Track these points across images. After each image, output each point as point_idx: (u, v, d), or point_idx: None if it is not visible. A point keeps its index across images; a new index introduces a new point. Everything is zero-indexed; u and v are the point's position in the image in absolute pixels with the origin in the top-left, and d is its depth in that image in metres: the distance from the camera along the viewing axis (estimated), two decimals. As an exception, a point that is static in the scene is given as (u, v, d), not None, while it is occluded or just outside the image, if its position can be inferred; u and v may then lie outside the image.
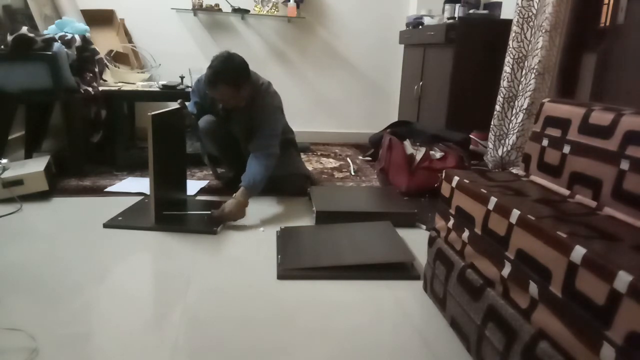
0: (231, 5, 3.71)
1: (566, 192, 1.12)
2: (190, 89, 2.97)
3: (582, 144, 1.10)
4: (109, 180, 2.60)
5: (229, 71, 2.10)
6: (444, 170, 1.40)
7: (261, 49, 3.91)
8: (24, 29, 2.43)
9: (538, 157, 1.25)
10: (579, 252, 0.80)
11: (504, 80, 2.77)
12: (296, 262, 1.63)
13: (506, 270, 1.01)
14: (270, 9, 3.76)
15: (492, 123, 2.87)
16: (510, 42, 2.73)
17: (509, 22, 2.78)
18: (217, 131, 2.43)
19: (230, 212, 1.99)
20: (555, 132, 1.20)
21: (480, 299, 1.11)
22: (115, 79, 3.12)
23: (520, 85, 2.71)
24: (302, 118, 3.95)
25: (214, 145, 2.49)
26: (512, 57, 2.72)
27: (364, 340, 1.24)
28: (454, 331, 1.26)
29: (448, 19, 3.22)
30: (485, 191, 1.14)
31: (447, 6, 3.27)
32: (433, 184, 2.41)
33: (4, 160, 2.27)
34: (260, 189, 2.13)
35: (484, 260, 1.12)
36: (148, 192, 2.18)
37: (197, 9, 3.65)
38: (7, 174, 2.18)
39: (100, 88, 2.79)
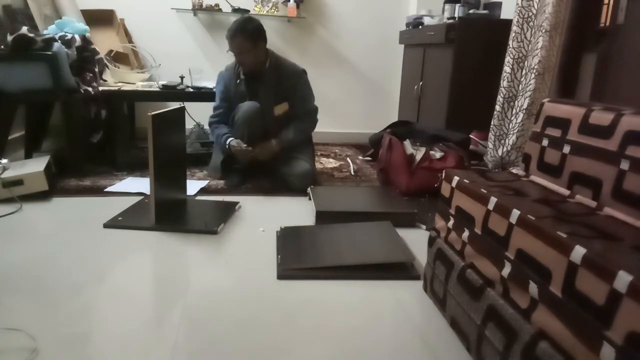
0: (231, 5, 3.71)
1: (566, 192, 1.12)
2: (190, 89, 2.99)
3: (582, 144, 1.10)
4: (109, 180, 2.60)
5: (248, 26, 2.46)
6: (444, 170, 1.40)
7: (261, 49, 3.91)
8: (24, 29, 2.43)
9: (538, 157, 1.25)
10: (579, 252, 0.80)
11: (504, 80, 2.78)
12: (296, 262, 1.63)
13: (506, 270, 1.01)
14: (270, 9, 3.76)
15: (492, 123, 2.87)
16: (510, 42, 2.74)
17: (509, 22, 2.78)
18: (256, 119, 2.53)
19: (259, 150, 2.49)
20: (555, 132, 1.20)
21: (480, 299, 1.11)
22: (115, 79, 3.12)
23: (520, 85, 2.71)
24: (302, 118, 3.94)
25: (248, 130, 2.52)
26: (512, 57, 2.72)
27: (364, 340, 1.24)
28: (454, 331, 1.26)
29: (448, 19, 3.23)
30: (485, 191, 1.14)
31: (447, 6, 3.27)
32: (433, 184, 2.41)
33: (4, 160, 2.27)
34: (292, 143, 2.59)
35: (484, 260, 1.12)
36: (148, 192, 2.18)
37: (197, 9, 3.65)
38: (7, 174, 2.18)
39: (100, 88, 2.78)
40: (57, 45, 2.51)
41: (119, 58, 3.31)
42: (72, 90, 2.61)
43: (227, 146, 2.52)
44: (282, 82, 2.59)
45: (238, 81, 2.61)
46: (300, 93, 2.63)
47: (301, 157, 2.60)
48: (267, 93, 2.59)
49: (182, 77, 3.04)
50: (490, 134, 2.89)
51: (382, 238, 1.81)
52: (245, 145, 2.46)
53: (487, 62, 2.97)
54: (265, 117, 2.58)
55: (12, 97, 2.54)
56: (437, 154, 2.55)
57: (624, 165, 0.96)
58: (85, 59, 2.77)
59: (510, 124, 2.75)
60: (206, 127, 3.24)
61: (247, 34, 2.44)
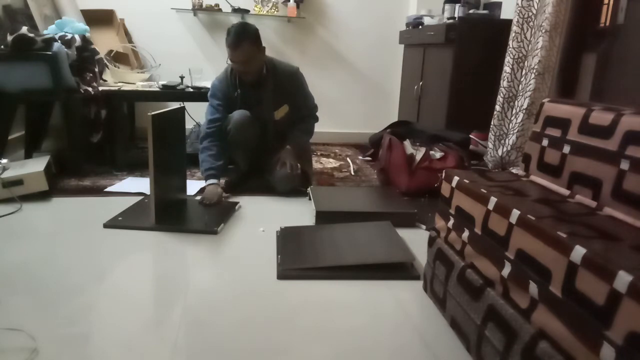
0: (231, 5, 3.71)
1: (566, 192, 1.12)
2: (190, 89, 2.98)
3: (582, 144, 1.10)
4: (109, 180, 2.60)
5: (250, 31, 2.33)
6: (444, 170, 1.40)
7: (261, 49, 3.91)
8: (24, 29, 2.43)
9: (538, 157, 1.25)
10: (579, 252, 0.80)
11: (504, 80, 2.77)
12: (296, 262, 1.63)
13: (506, 270, 1.01)
14: (270, 9, 3.76)
15: (492, 123, 2.87)
16: (510, 42, 2.73)
17: (509, 22, 2.78)
18: (248, 127, 2.44)
19: (295, 162, 2.48)
20: (555, 132, 1.20)
21: (480, 299, 1.11)
22: (115, 79, 3.12)
23: (520, 85, 2.71)
24: (302, 118, 3.94)
25: (240, 139, 2.42)
26: (512, 57, 2.72)
27: (364, 341, 1.24)
28: (454, 331, 1.26)
29: (448, 19, 3.22)
30: (485, 191, 1.14)
31: (447, 6, 3.27)
32: (433, 184, 2.41)
33: (4, 160, 2.27)
34: (303, 145, 2.65)
35: (484, 260, 1.12)
36: (148, 192, 2.18)
37: (197, 9, 3.65)
38: (7, 174, 2.18)
39: (100, 88, 2.79)
40: (57, 45, 2.51)
41: (119, 58, 3.31)
42: (72, 90, 2.61)
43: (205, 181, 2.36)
44: (279, 85, 2.49)
45: (236, 93, 2.47)
46: (301, 91, 2.59)
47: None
48: (268, 100, 2.50)
49: (182, 77, 3.04)
50: (490, 134, 2.89)
51: (382, 238, 1.81)
52: (221, 190, 2.31)
53: (487, 62, 2.97)
54: (267, 123, 2.53)
55: (12, 97, 2.54)
56: (437, 154, 2.55)
57: (624, 165, 0.96)
58: (85, 59, 2.77)
59: (510, 124, 2.75)
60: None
61: (251, 38, 2.31)
